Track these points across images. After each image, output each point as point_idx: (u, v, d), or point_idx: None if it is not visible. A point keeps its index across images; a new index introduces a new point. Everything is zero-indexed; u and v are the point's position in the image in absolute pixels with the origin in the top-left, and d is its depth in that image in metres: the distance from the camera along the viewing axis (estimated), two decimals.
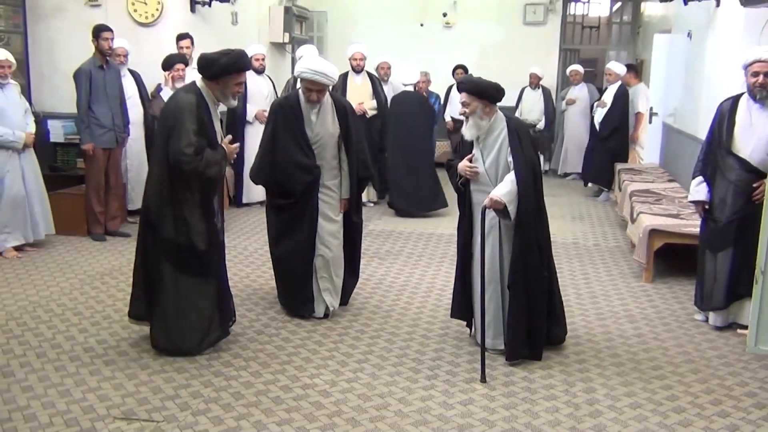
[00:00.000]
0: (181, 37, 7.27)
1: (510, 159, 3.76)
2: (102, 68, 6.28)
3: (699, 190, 4.49)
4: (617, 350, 4.15)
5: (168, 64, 6.51)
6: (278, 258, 4.56)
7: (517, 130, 3.82)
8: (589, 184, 9.18)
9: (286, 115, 4.35)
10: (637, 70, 9.59)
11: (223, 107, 4.03)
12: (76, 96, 6.24)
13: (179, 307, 3.81)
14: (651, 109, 9.04)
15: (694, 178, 4.57)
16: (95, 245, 6.20)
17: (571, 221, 7.67)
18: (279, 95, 7.84)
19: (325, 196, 4.43)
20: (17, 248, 5.76)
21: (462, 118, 3.93)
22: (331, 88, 4.46)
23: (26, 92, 7.31)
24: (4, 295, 4.83)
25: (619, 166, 8.46)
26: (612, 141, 8.50)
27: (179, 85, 5.37)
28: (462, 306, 4.15)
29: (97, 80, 6.24)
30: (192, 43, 7.29)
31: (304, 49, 7.61)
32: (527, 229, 3.77)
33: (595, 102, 8.91)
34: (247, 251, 6.16)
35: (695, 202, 4.57)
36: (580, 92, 10.00)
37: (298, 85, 4.62)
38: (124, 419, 3.18)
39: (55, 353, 3.88)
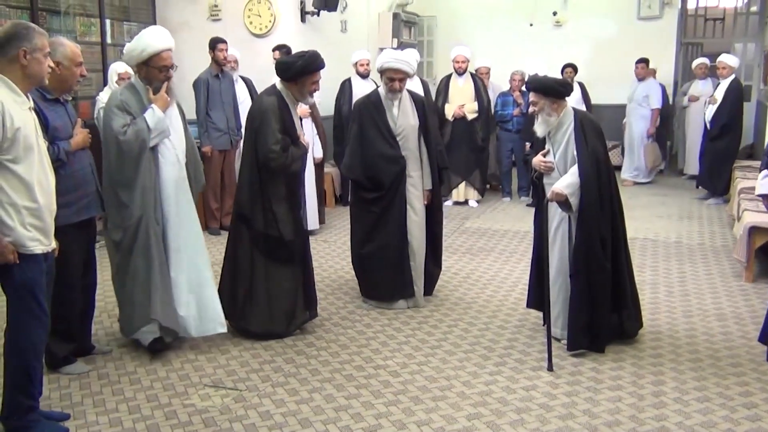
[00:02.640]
0: (278, 48, 7.32)
1: (575, 153, 3.84)
2: (218, 77, 6.86)
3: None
4: (698, 347, 4.07)
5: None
6: (371, 254, 4.67)
7: (583, 124, 3.89)
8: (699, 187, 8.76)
9: (370, 111, 4.64)
10: (647, 62, 9.53)
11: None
12: (195, 103, 6.86)
13: (270, 294, 4.16)
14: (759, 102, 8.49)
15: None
16: (210, 238, 6.77)
17: (678, 220, 7.42)
18: (348, 98, 7.70)
19: (411, 186, 4.66)
20: None
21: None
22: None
23: None
24: None
25: (736, 163, 8.06)
26: (722, 140, 8.02)
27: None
28: (537, 296, 4.23)
29: (214, 88, 6.83)
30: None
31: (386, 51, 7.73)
32: (590, 221, 3.82)
33: (707, 99, 8.51)
34: (345, 246, 6.48)
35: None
36: (704, 87, 9.52)
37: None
38: (213, 386, 3.57)
39: None
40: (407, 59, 4.57)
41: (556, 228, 3.98)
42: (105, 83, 7.33)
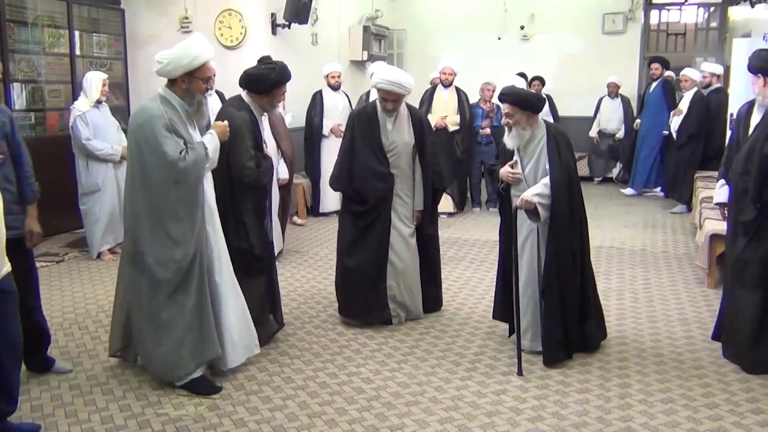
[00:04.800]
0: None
1: (548, 165, 3.88)
2: None
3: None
4: (662, 350, 4.19)
5: None
6: (349, 267, 4.57)
7: (556, 137, 3.92)
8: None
9: (363, 123, 4.53)
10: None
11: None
12: None
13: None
14: (731, 115, 8.78)
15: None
16: None
17: (642, 229, 7.60)
18: (319, 110, 8.20)
19: (399, 205, 4.53)
20: (111, 250, 6.39)
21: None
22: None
23: (126, 113, 8.05)
24: (98, 291, 5.41)
25: (698, 173, 8.30)
26: (687, 149, 8.32)
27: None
28: (503, 308, 4.26)
29: None
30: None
31: (376, 65, 7.95)
32: (561, 234, 3.86)
33: (672, 111, 8.76)
34: (318, 256, 6.54)
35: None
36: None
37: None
38: (186, 395, 3.57)
39: None
40: (401, 80, 4.36)
41: (525, 239, 4.02)
42: (74, 94, 7.31)
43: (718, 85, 8.50)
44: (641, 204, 9.06)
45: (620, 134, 10.26)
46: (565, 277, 3.89)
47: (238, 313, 3.78)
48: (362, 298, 4.56)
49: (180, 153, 3.38)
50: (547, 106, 10.55)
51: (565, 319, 3.93)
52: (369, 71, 7.99)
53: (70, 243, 6.92)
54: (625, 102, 10.28)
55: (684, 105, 8.42)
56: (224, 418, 3.36)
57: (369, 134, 4.50)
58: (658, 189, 9.43)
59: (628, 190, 9.71)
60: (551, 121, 10.29)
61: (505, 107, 3.96)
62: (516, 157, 4.04)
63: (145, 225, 3.44)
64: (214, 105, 7.35)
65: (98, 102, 6.28)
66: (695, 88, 8.45)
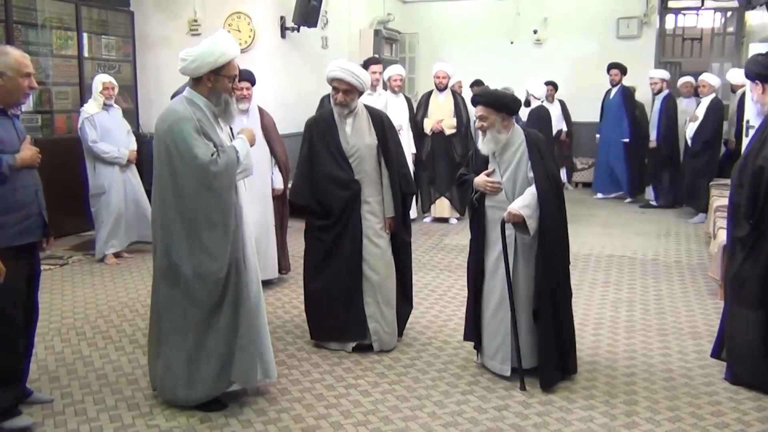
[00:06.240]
0: (372, 62, 7.38)
1: (531, 174, 3.64)
2: None
3: None
4: (672, 366, 4.05)
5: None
6: (319, 288, 4.21)
7: (537, 144, 3.69)
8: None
9: (321, 129, 4.21)
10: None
11: None
12: None
13: None
14: (747, 122, 8.61)
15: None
16: None
17: (656, 238, 7.45)
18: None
19: (368, 213, 4.18)
20: (116, 255, 6.34)
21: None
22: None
23: (135, 116, 8.03)
24: (99, 296, 5.36)
25: (714, 181, 8.13)
26: (703, 156, 8.17)
27: (243, 106, 5.18)
28: (473, 327, 3.96)
29: None
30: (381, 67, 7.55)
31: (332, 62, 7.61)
32: (551, 247, 3.62)
33: (688, 117, 8.61)
34: None
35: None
36: (687, 106, 9.58)
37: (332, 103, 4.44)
38: (178, 406, 3.48)
39: (131, 347, 4.30)
40: (353, 69, 4.04)
41: (499, 255, 3.71)
42: (82, 97, 7.29)
43: (714, 95, 8.31)
44: (654, 212, 8.90)
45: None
46: (558, 293, 3.66)
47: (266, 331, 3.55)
48: (336, 319, 4.18)
49: (212, 156, 3.19)
50: (560, 111, 10.45)
51: (561, 338, 3.71)
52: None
53: (76, 246, 6.89)
54: (639, 108, 10.10)
55: (700, 111, 8.25)
56: (216, 430, 3.27)
57: (327, 140, 4.16)
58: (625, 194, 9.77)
59: (599, 195, 9.98)
60: (564, 126, 10.41)
61: (479, 109, 3.70)
62: (492, 165, 3.77)
63: (180, 234, 3.23)
64: None
65: (108, 105, 6.25)
66: (713, 94, 8.28)
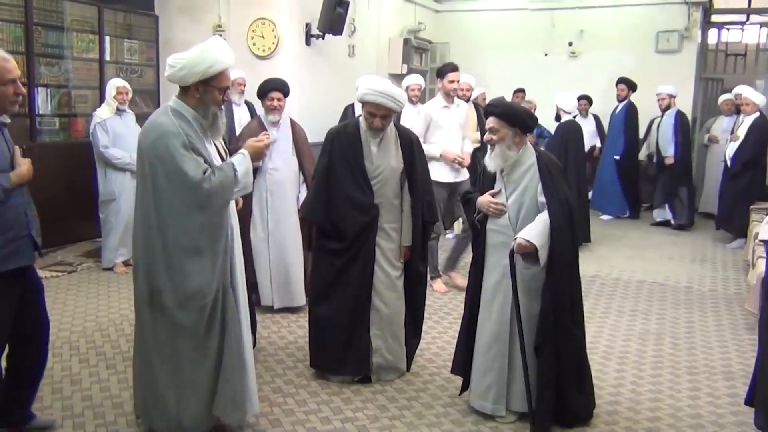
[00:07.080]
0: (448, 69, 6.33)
1: (542, 199, 3.31)
2: None
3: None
4: (701, 410, 3.71)
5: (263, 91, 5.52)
6: (322, 316, 3.92)
7: (549, 167, 3.36)
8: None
9: (343, 145, 3.86)
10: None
11: None
12: None
13: None
14: None
15: None
16: None
17: (690, 263, 7.04)
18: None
19: (383, 240, 3.87)
20: (125, 263, 6.19)
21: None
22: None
23: None
24: (101, 307, 5.20)
25: (754, 205, 7.69)
26: (743, 178, 7.70)
27: (274, 117, 5.00)
28: (463, 360, 3.62)
29: None
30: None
31: (363, 78, 7.22)
32: (560, 279, 3.26)
33: (728, 136, 8.17)
34: None
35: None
36: (728, 124, 9.11)
37: (357, 113, 4.18)
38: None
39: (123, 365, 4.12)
40: (393, 92, 3.71)
41: (497, 284, 3.42)
42: (102, 100, 7.18)
43: (758, 113, 7.84)
44: (690, 235, 8.46)
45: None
46: (562, 331, 3.29)
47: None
48: (340, 350, 3.89)
49: (204, 173, 2.91)
50: (593, 126, 10.08)
51: (561, 381, 3.33)
52: (356, 85, 7.46)
53: (87, 252, 6.76)
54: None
55: (742, 131, 7.81)
56: None
57: (350, 158, 3.82)
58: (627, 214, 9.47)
59: (606, 216, 9.53)
60: (598, 143, 10.02)
61: (490, 121, 3.40)
62: (498, 185, 3.47)
63: (159, 259, 2.96)
64: (242, 116, 7.16)
65: (121, 110, 6.12)
66: (757, 113, 7.82)
